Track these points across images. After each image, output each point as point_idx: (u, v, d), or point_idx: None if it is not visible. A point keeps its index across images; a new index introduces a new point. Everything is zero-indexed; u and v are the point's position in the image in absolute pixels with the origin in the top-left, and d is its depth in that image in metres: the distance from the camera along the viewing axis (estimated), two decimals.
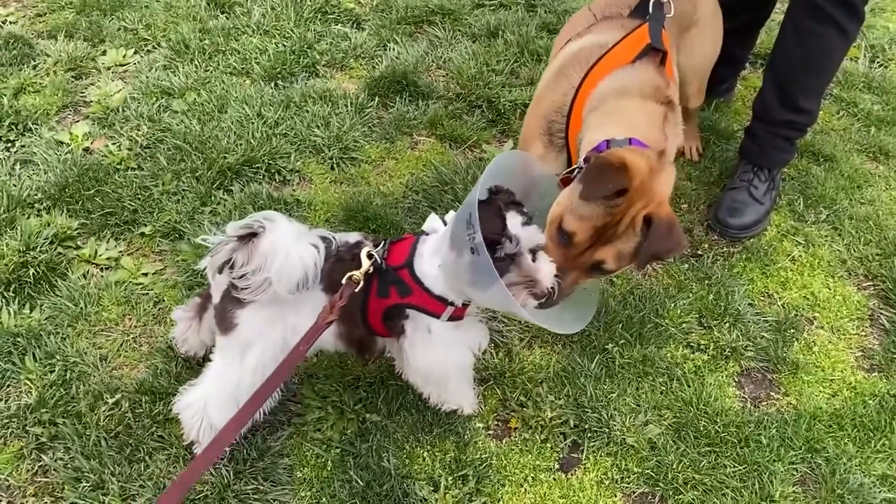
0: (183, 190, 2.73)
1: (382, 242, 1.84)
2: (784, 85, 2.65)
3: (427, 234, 1.86)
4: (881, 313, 2.55)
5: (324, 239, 1.77)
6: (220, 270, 1.71)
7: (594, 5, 2.49)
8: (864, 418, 2.22)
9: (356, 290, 1.76)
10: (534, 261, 1.76)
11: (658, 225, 1.76)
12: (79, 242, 2.54)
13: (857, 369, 2.39)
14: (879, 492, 2.05)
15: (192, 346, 2.11)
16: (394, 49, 3.47)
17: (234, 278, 1.70)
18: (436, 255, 1.81)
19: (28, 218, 2.57)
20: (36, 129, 2.94)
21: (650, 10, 2.25)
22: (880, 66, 3.69)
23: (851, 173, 3.03)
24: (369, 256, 1.80)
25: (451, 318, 1.85)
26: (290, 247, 1.67)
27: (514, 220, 1.73)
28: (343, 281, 1.76)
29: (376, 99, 3.19)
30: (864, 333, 2.50)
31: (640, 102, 2.04)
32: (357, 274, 1.76)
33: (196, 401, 1.86)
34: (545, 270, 1.77)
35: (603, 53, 2.20)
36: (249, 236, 1.66)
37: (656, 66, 2.13)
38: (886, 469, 2.12)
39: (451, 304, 1.83)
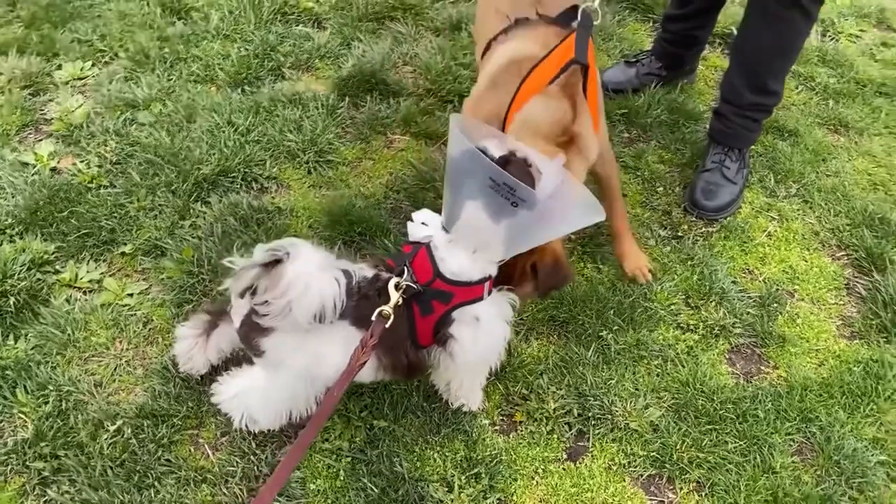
0: (159, 205, 2.67)
1: (405, 267, 1.84)
2: (752, 69, 2.71)
3: (432, 237, 1.86)
4: (856, 282, 2.65)
5: (345, 273, 1.76)
6: (242, 295, 1.70)
7: (502, 5, 2.38)
8: (850, 385, 2.31)
9: (387, 326, 1.76)
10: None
11: (542, 269, 1.94)
12: (57, 266, 2.47)
13: (839, 338, 2.48)
14: (873, 455, 2.14)
15: (197, 364, 2.08)
16: (358, 47, 3.44)
17: (255, 304, 1.69)
18: (457, 248, 1.83)
19: (1, 245, 2.48)
20: None
21: (579, 17, 2.19)
22: (832, 39, 3.80)
23: (815, 147, 3.13)
24: (398, 287, 1.79)
25: (489, 292, 1.91)
26: (311, 276, 1.67)
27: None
28: (373, 317, 1.76)
29: (346, 99, 3.16)
30: (842, 302, 2.59)
31: (533, 142, 1.99)
32: (387, 309, 1.76)
33: (238, 395, 1.94)
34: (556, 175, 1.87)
35: (532, 66, 2.17)
36: (273, 263, 1.65)
37: (566, 91, 2.06)
38: (876, 432, 2.21)
39: (489, 277, 1.88)
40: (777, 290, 2.59)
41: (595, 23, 2.18)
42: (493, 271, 1.91)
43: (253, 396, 1.94)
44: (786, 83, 3.43)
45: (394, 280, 1.81)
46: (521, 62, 2.17)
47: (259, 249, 1.70)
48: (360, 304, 1.80)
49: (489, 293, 1.92)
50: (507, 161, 1.79)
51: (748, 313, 2.49)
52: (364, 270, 1.87)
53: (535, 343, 2.37)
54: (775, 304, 2.53)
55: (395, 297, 1.79)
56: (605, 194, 2.50)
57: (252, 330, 1.79)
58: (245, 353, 2.09)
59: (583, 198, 1.88)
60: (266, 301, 1.70)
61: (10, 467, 1.97)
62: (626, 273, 2.56)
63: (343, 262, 1.84)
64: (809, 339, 2.46)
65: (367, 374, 1.88)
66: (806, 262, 2.70)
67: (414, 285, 1.81)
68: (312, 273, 1.70)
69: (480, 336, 1.92)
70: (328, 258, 1.78)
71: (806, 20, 2.57)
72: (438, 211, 1.92)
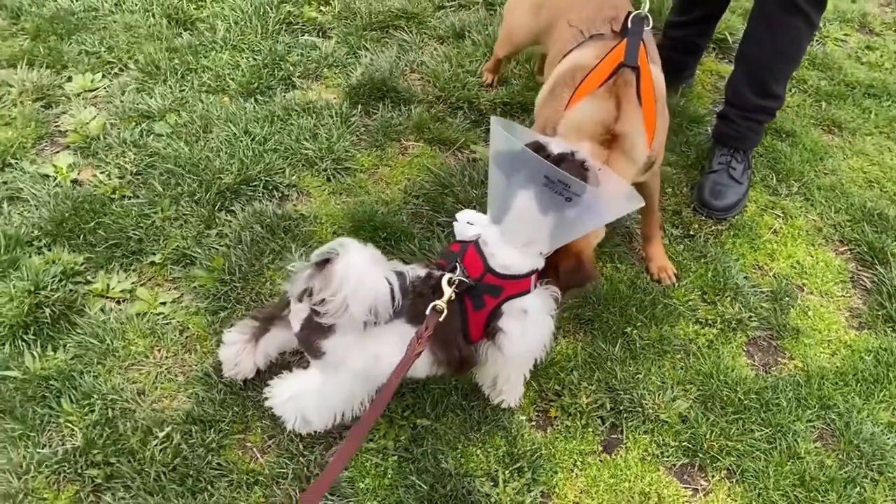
0: (184, 214, 2.70)
1: (456, 263, 1.91)
2: (757, 73, 2.83)
3: (479, 235, 1.94)
4: (860, 274, 2.77)
5: (398, 274, 1.83)
6: (300, 299, 1.76)
7: (573, 18, 2.46)
8: (864, 372, 2.43)
9: (441, 319, 1.83)
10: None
11: (564, 269, 2.03)
12: (88, 277, 2.48)
13: (848, 328, 2.60)
14: (889, 438, 2.26)
15: (244, 369, 2.12)
16: (365, 56, 3.49)
17: (313, 304, 1.74)
18: (507, 242, 1.92)
19: (30, 257, 2.49)
20: (16, 163, 2.84)
21: (629, 24, 2.26)
22: (819, 43, 3.95)
23: (813, 146, 3.26)
24: (450, 283, 1.87)
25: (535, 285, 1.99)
26: (363, 269, 1.73)
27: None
28: (427, 311, 1.83)
29: (359, 107, 3.22)
30: (848, 295, 2.71)
31: (577, 140, 2.08)
32: (440, 303, 1.84)
33: (293, 398, 1.99)
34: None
35: (586, 74, 2.24)
36: (324, 262, 1.70)
37: (612, 91, 2.13)
38: (891, 417, 2.33)
39: (536, 270, 1.96)
40: (787, 284, 2.70)
41: (646, 28, 2.24)
42: (540, 264, 2.00)
43: (308, 398, 1.99)
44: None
45: (447, 276, 1.89)
46: (575, 71, 2.26)
47: (315, 253, 1.77)
48: (415, 302, 1.87)
49: (535, 286, 2.00)
50: (562, 159, 1.88)
51: (762, 307, 2.60)
52: (417, 270, 1.94)
53: (563, 341, 2.45)
54: (787, 298, 2.64)
55: (448, 292, 1.86)
56: (649, 201, 2.56)
57: (313, 332, 1.85)
58: (294, 358, 2.15)
59: (619, 187, 1.98)
60: (323, 300, 1.76)
61: (62, 475, 1.98)
62: (651, 273, 2.66)
63: (395, 262, 1.92)
64: (821, 331, 2.57)
65: (423, 368, 1.95)
66: (812, 257, 2.82)
67: (466, 280, 1.89)
68: (363, 267, 1.77)
69: (528, 328, 2.00)
70: (378, 255, 1.85)
71: (808, 26, 2.70)
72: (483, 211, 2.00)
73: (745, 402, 2.31)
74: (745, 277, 2.70)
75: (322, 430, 2.06)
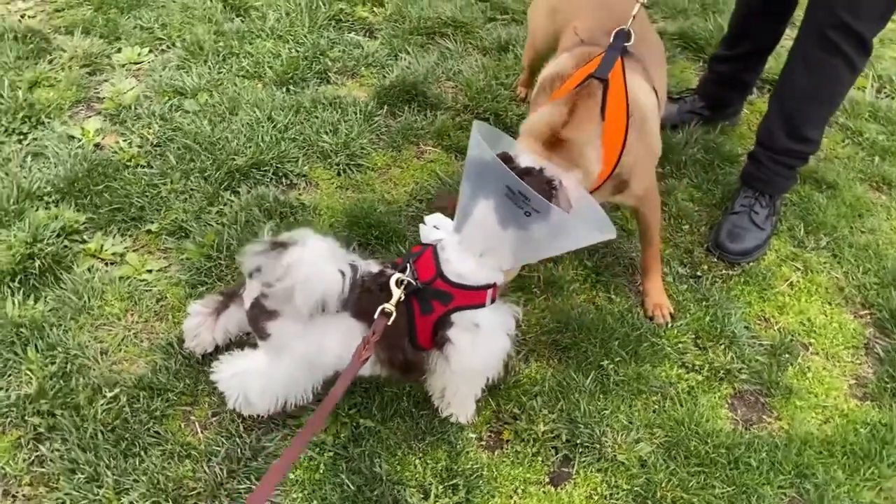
0: (191, 189, 2.76)
1: (407, 264, 1.88)
2: (790, 114, 2.67)
3: (440, 240, 1.90)
4: (876, 342, 2.57)
5: (351, 266, 1.82)
6: (251, 275, 1.78)
7: (579, 26, 2.42)
8: (854, 446, 2.24)
9: (389, 322, 1.81)
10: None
11: None
12: (85, 237, 2.57)
13: (850, 397, 2.40)
14: None
15: (203, 342, 2.14)
16: (405, 59, 3.50)
17: (263, 286, 1.76)
18: (465, 250, 1.88)
19: (37, 210, 2.60)
20: (49, 122, 2.98)
21: (611, 38, 2.21)
22: (887, 96, 3.71)
23: (853, 202, 3.05)
24: (399, 283, 1.84)
25: (492, 300, 1.93)
26: (315, 264, 1.74)
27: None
28: (375, 316, 1.81)
29: (385, 107, 3.23)
30: (858, 361, 2.51)
31: (525, 142, 2.05)
32: (389, 306, 1.81)
33: (237, 375, 1.98)
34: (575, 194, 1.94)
35: (562, 83, 2.21)
36: (280, 246, 1.71)
37: (570, 99, 2.08)
38: (874, 497, 2.13)
39: (493, 285, 1.91)
40: (791, 340, 2.52)
41: (626, 44, 2.19)
42: (499, 279, 1.94)
43: (252, 379, 1.98)
44: (832, 136, 3.40)
45: (395, 276, 1.85)
46: (554, 79, 2.22)
47: (267, 230, 1.78)
48: (361, 297, 1.85)
49: (492, 301, 1.94)
50: (526, 172, 1.83)
51: (757, 360, 2.44)
52: (371, 266, 1.92)
53: (534, 364, 2.36)
54: (787, 355, 2.47)
55: (396, 293, 1.83)
56: (642, 232, 2.50)
57: (260, 312, 1.86)
58: (249, 339, 2.15)
59: (595, 214, 1.91)
60: (269, 284, 1.76)
61: (9, 419, 2.05)
62: (645, 309, 2.55)
63: (352, 255, 1.90)
64: (818, 395, 2.39)
65: (365, 369, 1.92)
66: (826, 316, 2.63)
67: (413, 282, 1.85)
68: (316, 261, 1.77)
69: (479, 344, 1.94)
70: (336, 250, 1.85)
71: (849, 70, 2.53)
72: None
73: (713, 455, 2.16)
74: (746, 327, 2.54)
75: (263, 413, 2.05)
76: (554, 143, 2.02)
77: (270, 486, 1.60)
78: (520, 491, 2.07)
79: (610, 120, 2.07)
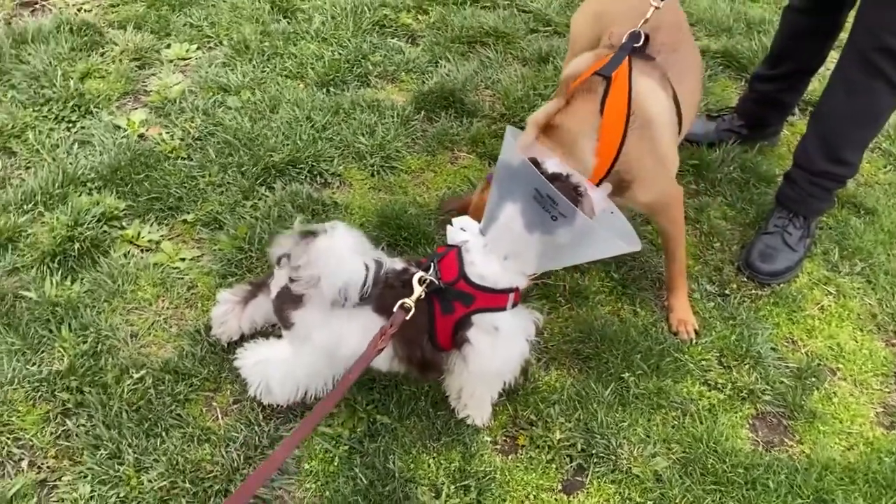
0: (227, 183, 2.83)
1: (432, 263, 1.91)
2: (828, 136, 2.64)
3: (466, 242, 1.92)
4: None
5: (376, 262, 1.86)
6: (279, 262, 1.83)
7: (615, 32, 2.39)
8: (877, 475, 2.19)
9: (408, 317, 1.84)
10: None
11: None
12: (124, 223, 2.65)
13: (876, 425, 2.36)
14: None
15: (229, 329, 2.19)
16: (445, 66, 3.54)
17: (290, 273, 1.82)
18: (490, 253, 1.89)
19: (80, 195, 2.69)
20: (97, 112, 3.08)
21: (624, 38, 2.25)
22: None
23: (892, 228, 2.99)
24: (421, 282, 1.87)
25: (514, 304, 1.95)
26: (344, 252, 1.79)
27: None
28: (395, 308, 1.84)
29: (422, 112, 3.26)
30: (887, 390, 2.46)
31: (528, 130, 2.15)
32: (409, 301, 1.84)
33: (260, 363, 2.03)
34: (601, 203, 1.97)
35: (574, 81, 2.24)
36: (309, 235, 1.76)
37: (570, 91, 2.14)
38: None
39: (515, 289, 1.92)
40: (819, 364, 2.48)
41: (636, 45, 2.22)
42: (522, 284, 1.95)
43: (274, 367, 2.03)
44: (873, 161, 3.34)
45: (419, 274, 1.88)
46: (569, 78, 2.25)
47: (297, 222, 1.84)
48: (384, 292, 1.88)
49: (513, 305, 1.95)
50: (555, 177, 1.85)
51: (782, 382, 2.40)
52: (396, 263, 1.95)
53: (554, 372, 2.36)
54: (813, 378, 2.43)
55: (417, 290, 1.85)
56: (664, 245, 2.50)
57: (286, 301, 1.91)
58: (274, 331, 2.20)
59: (621, 225, 1.92)
60: (298, 268, 1.82)
61: (39, 394, 2.12)
62: (670, 325, 2.53)
63: (378, 251, 1.94)
64: (843, 420, 2.34)
65: (383, 362, 1.95)
66: (856, 342, 2.58)
67: (436, 281, 1.87)
68: (343, 252, 1.81)
69: (498, 347, 1.95)
70: (363, 243, 1.89)
71: (891, 93, 2.49)
72: None
73: (730, 474, 2.13)
74: (773, 348, 2.50)
75: (283, 403, 2.09)
76: (547, 128, 2.08)
77: (276, 463, 1.63)
78: (531, 497, 2.07)
79: (608, 116, 2.09)
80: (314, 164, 2.95)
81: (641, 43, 2.23)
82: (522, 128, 3.17)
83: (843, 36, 2.68)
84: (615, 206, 2.06)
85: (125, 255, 2.53)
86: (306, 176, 2.92)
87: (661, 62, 2.27)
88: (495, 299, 1.92)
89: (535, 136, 2.09)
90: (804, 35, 2.93)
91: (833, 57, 2.93)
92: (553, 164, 1.90)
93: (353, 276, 1.82)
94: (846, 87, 2.54)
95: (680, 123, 2.34)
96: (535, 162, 1.89)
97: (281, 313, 1.96)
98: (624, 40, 2.22)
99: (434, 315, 1.91)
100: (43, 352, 2.23)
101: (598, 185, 2.13)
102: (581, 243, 1.85)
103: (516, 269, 1.92)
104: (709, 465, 2.15)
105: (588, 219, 1.81)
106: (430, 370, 2.01)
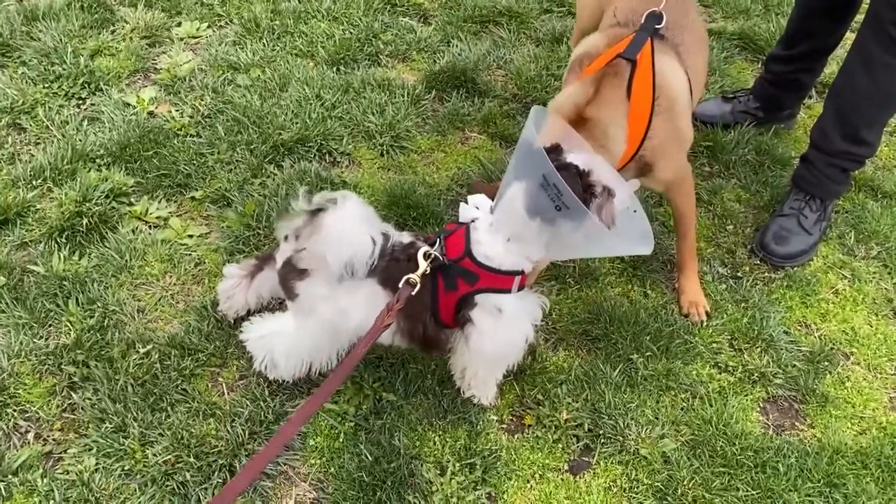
0: (236, 160, 2.82)
1: (438, 239, 1.89)
2: (847, 115, 2.58)
3: (474, 220, 1.90)
4: None
5: (384, 235, 1.85)
6: (287, 238, 1.81)
7: (619, 7, 2.38)
8: (890, 459, 2.15)
9: (413, 293, 1.82)
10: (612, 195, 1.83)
11: None
12: (132, 199, 2.65)
13: (889, 410, 2.32)
14: None
15: (236, 304, 2.19)
16: (457, 46, 3.50)
17: (296, 247, 1.82)
18: (497, 233, 1.86)
19: (89, 171, 2.69)
20: (107, 89, 3.07)
21: (643, 19, 2.20)
22: None
23: None
24: (426, 256, 1.85)
25: (520, 288, 1.91)
26: (351, 225, 1.78)
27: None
28: (400, 284, 1.82)
29: (433, 92, 3.23)
30: None
31: (551, 119, 2.04)
32: (414, 277, 1.82)
33: (265, 337, 2.02)
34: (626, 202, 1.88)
35: (591, 62, 2.20)
36: (318, 211, 1.75)
37: (596, 78, 2.09)
38: None
39: (521, 272, 1.89)
40: (832, 348, 2.44)
41: (657, 26, 2.17)
42: (527, 268, 1.91)
43: (279, 340, 2.02)
44: (892, 144, 3.27)
45: (424, 249, 1.86)
46: (584, 58, 2.22)
47: (302, 193, 1.82)
48: (389, 265, 1.87)
49: (519, 289, 1.92)
50: (564, 167, 1.80)
51: (794, 366, 2.37)
52: (403, 237, 1.93)
53: (562, 353, 2.34)
54: (826, 363, 2.39)
55: (423, 265, 1.83)
56: (676, 222, 2.46)
57: (291, 272, 1.90)
58: (281, 306, 2.18)
59: (641, 226, 1.88)
60: (304, 245, 1.81)
61: (46, 367, 2.12)
62: (681, 307, 2.50)
63: (386, 225, 1.92)
64: (856, 405, 2.31)
65: (386, 336, 1.93)
66: (871, 326, 2.54)
67: (441, 257, 1.85)
68: (351, 224, 1.80)
69: (500, 328, 1.93)
70: (372, 216, 1.87)
71: None
72: None
73: (739, 457, 2.11)
74: (786, 332, 2.47)
75: (288, 377, 2.08)
76: (578, 121, 2.01)
77: (284, 438, 1.63)
78: (537, 476, 2.05)
79: (635, 100, 2.05)
80: (323, 142, 2.93)
81: (663, 23, 2.18)
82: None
83: (859, 18, 2.62)
84: (639, 203, 2.01)
85: (133, 231, 2.53)
86: (315, 154, 2.90)
87: (673, 40, 2.23)
88: (500, 280, 1.88)
89: (565, 124, 2.01)
90: (819, 14, 2.87)
91: (849, 38, 2.87)
92: (577, 157, 1.84)
93: (360, 250, 1.81)
94: (865, 63, 2.49)
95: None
96: (558, 149, 1.84)
97: (286, 283, 1.94)
98: (643, 20, 2.17)
99: (437, 291, 1.89)
100: (50, 326, 2.23)
101: (621, 170, 2.10)
102: (592, 242, 1.82)
103: (520, 253, 1.87)
104: (718, 448, 2.13)
105: (599, 223, 1.76)
106: (432, 347, 1.99)
